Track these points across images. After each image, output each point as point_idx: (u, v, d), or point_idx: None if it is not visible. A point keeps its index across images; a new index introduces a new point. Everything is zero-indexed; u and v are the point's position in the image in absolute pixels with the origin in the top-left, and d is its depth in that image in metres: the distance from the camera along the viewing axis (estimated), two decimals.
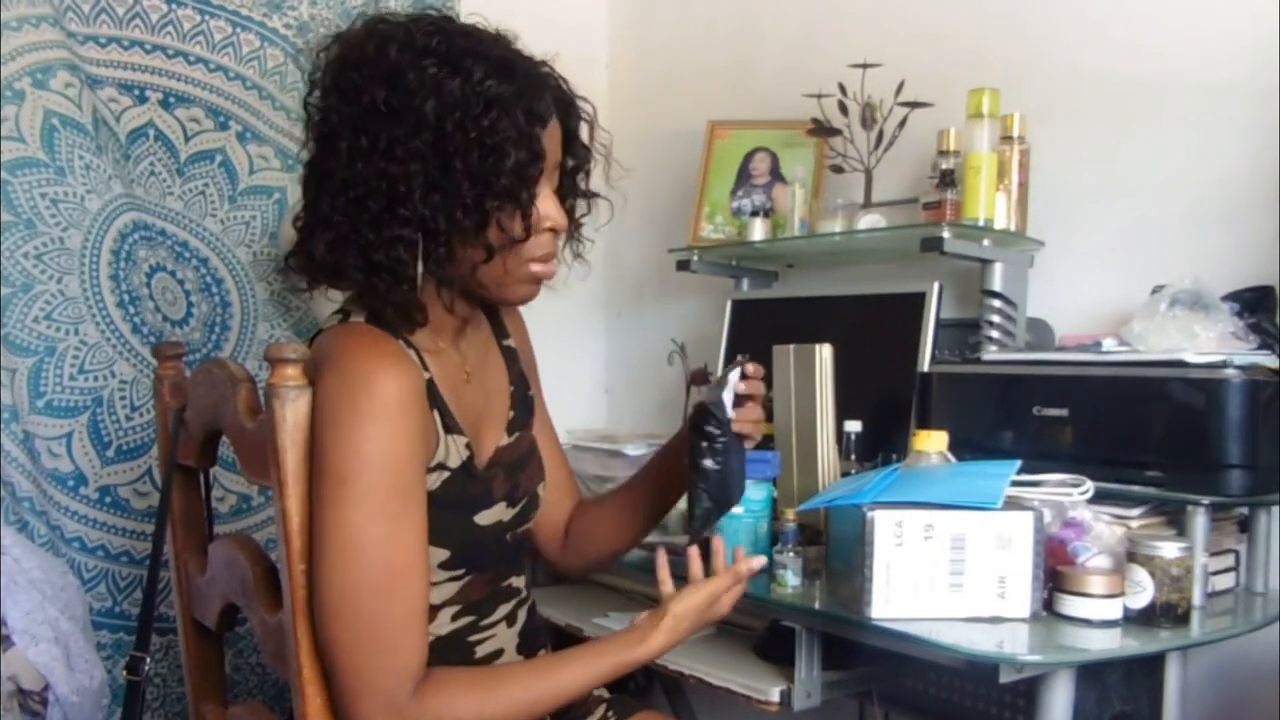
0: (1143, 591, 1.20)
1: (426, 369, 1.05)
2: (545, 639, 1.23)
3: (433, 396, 1.04)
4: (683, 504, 1.75)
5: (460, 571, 1.08)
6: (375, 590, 0.93)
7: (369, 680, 0.93)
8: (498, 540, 1.12)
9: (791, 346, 1.59)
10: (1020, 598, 1.18)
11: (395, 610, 0.94)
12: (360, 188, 0.98)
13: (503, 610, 1.14)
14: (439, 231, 0.99)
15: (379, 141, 0.97)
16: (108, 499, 1.86)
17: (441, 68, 0.98)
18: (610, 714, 1.26)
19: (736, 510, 1.40)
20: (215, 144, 2.05)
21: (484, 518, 1.09)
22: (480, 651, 1.11)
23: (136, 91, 1.95)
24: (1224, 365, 1.29)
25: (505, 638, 1.14)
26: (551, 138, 1.05)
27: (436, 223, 0.99)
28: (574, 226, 1.16)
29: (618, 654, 1.07)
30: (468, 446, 1.07)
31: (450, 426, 1.05)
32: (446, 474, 1.05)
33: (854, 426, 1.59)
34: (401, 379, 0.95)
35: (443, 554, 1.06)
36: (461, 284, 1.06)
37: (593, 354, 2.66)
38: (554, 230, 1.07)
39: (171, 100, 1.99)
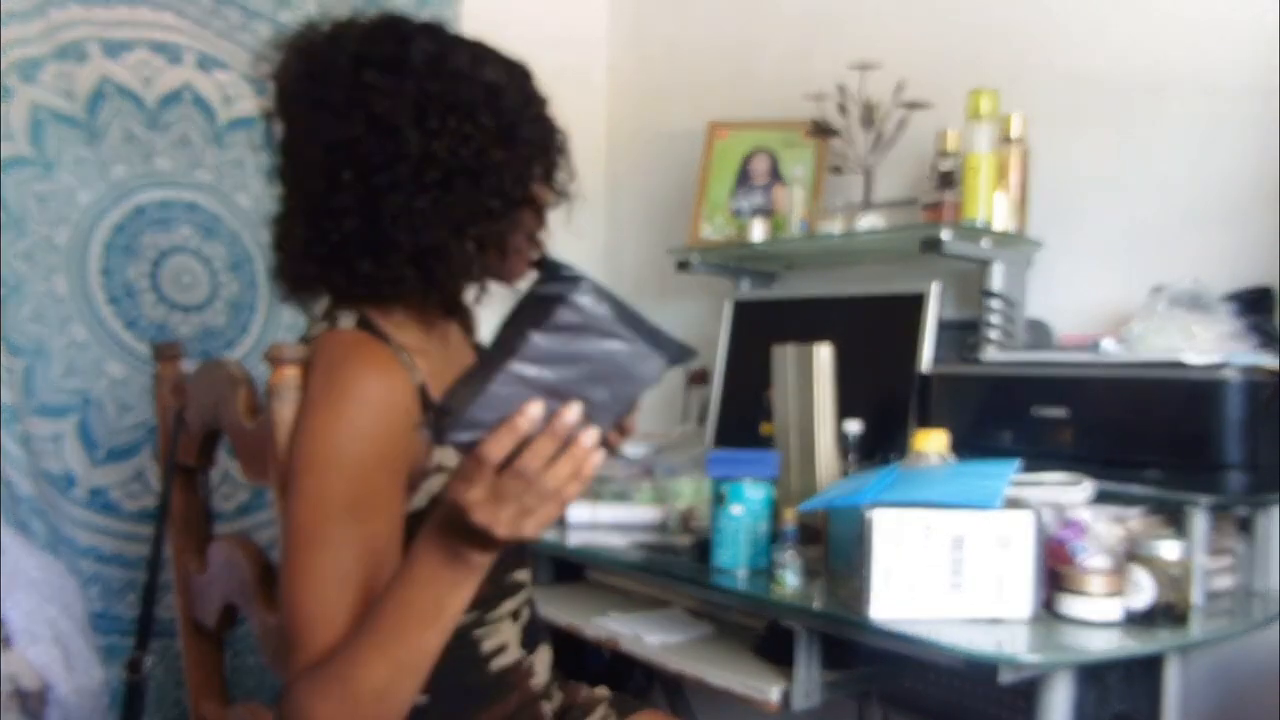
0: (1142, 592, 1.20)
1: (418, 371, 1.04)
2: (545, 634, 1.23)
3: (425, 400, 1.03)
4: (680, 504, 1.76)
5: None
6: (301, 583, 0.92)
7: (287, 656, 0.93)
8: None
9: (791, 346, 1.59)
10: (1020, 598, 1.18)
11: (310, 605, 0.91)
12: (438, 169, 0.98)
13: (508, 606, 1.14)
14: (517, 203, 1.03)
15: (447, 122, 0.98)
16: (98, 501, 1.83)
17: (464, 52, 1.02)
18: (611, 713, 1.26)
19: (736, 510, 1.40)
20: (257, 110, 1.99)
21: None
22: (485, 647, 1.11)
23: (170, 52, 1.88)
24: (1223, 366, 1.29)
25: (509, 633, 1.14)
26: None
27: (517, 195, 1.02)
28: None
29: (451, 592, 0.88)
30: None
31: None
32: (444, 476, 1.04)
33: (854, 426, 1.59)
34: (384, 386, 0.95)
35: None
36: (487, 270, 1.06)
37: None
38: None
39: (208, 63, 1.92)
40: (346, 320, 1.04)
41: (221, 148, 1.94)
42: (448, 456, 1.04)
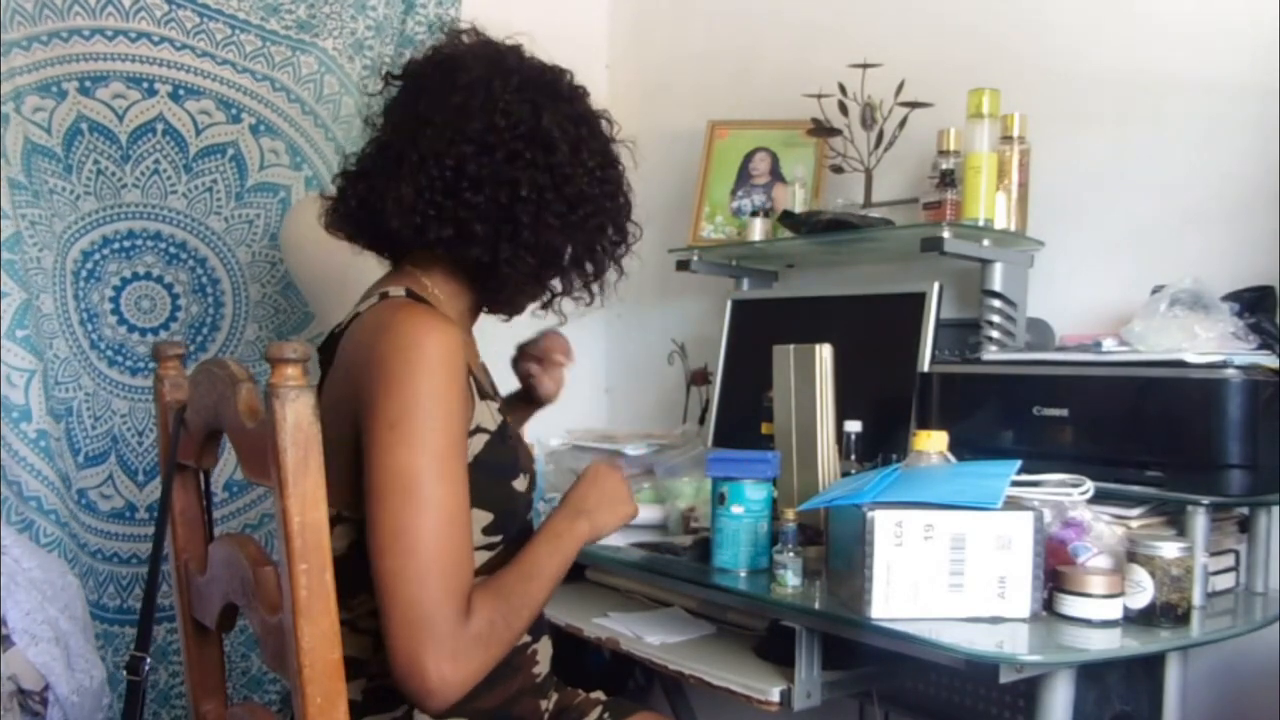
0: (1143, 591, 1.20)
1: None
2: (547, 627, 1.25)
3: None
4: (680, 504, 1.77)
5: (497, 539, 1.13)
6: (431, 524, 0.97)
7: (429, 611, 0.96)
8: (525, 512, 1.19)
9: (791, 346, 1.59)
10: (1020, 598, 1.18)
11: (449, 544, 0.98)
12: (574, 189, 1.14)
13: None
14: (597, 250, 1.21)
15: (590, 162, 1.16)
16: (83, 500, 1.90)
17: (605, 123, 1.23)
18: (607, 715, 1.27)
19: (736, 510, 1.41)
20: (227, 137, 2.03)
21: (519, 484, 1.17)
22: None
23: (145, 84, 1.94)
24: (1224, 365, 1.29)
25: None
26: None
27: (603, 241, 1.21)
28: None
29: (572, 540, 1.14)
30: (500, 410, 1.16)
31: (483, 393, 1.14)
32: (487, 437, 1.11)
33: (854, 426, 1.59)
34: (449, 339, 1.03)
35: (487, 517, 1.11)
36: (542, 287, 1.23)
37: (593, 354, 2.66)
38: None
39: (181, 92, 1.97)
40: (397, 293, 1.13)
41: (192, 175, 2.01)
42: (484, 418, 1.12)
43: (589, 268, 1.22)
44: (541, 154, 1.12)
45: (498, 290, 1.19)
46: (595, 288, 1.25)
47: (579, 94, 1.20)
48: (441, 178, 1.11)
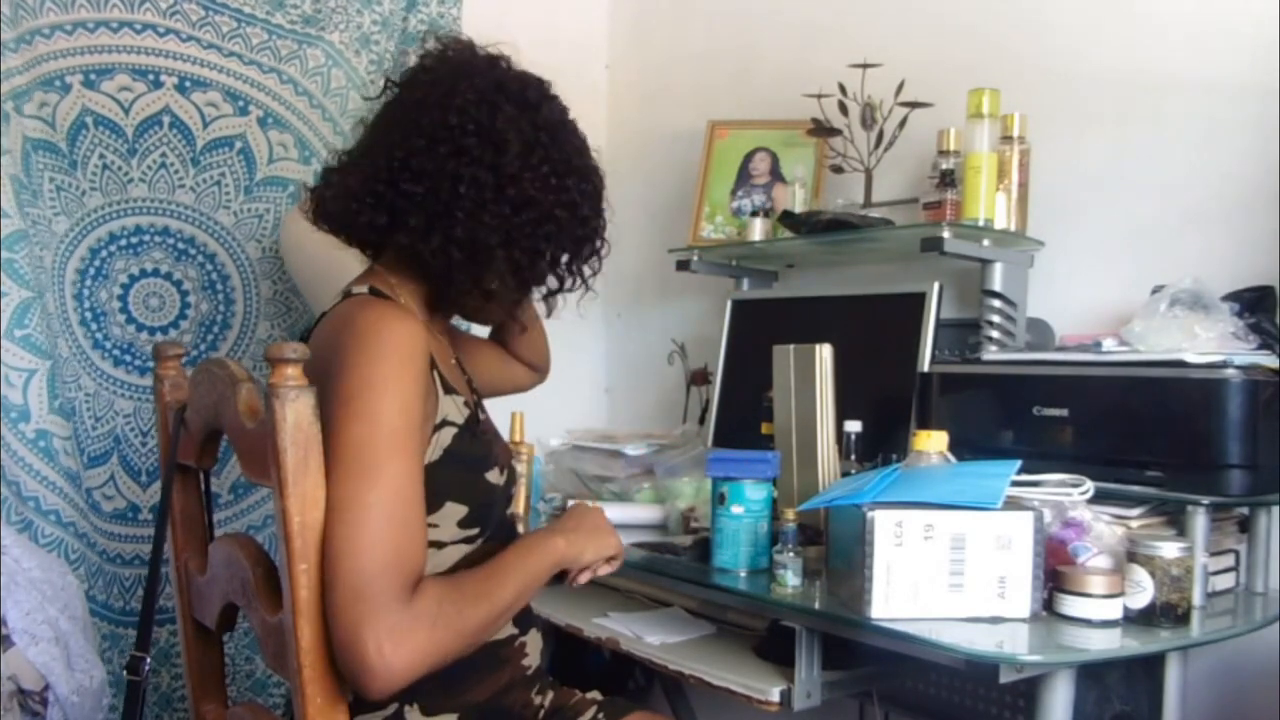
0: (1143, 591, 1.20)
1: None
2: (537, 620, 1.25)
3: (430, 361, 1.11)
4: (680, 504, 1.77)
5: (474, 532, 1.12)
6: (381, 497, 0.96)
7: (370, 581, 0.93)
8: (502, 506, 1.19)
9: (791, 346, 1.59)
10: (1020, 598, 1.18)
11: (398, 519, 0.97)
12: (518, 193, 1.13)
13: None
14: (549, 260, 1.20)
15: (543, 169, 1.15)
16: (90, 500, 1.90)
17: (580, 135, 1.23)
18: (602, 715, 1.27)
19: (736, 510, 1.41)
20: (235, 130, 2.02)
21: (492, 476, 1.16)
22: None
23: (151, 76, 1.93)
24: (1224, 365, 1.29)
25: None
26: None
27: (554, 251, 1.19)
28: None
29: (542, 550, 1.14)
30: (467, 405, 1.15)
31: (448, 388, 1.12)
32: (455, 429, 1.11)
33: (854, 426, 1.59)
34: (406, 327, 1.03)
35: (461, 510, 1.11)
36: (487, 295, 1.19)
37: (593, 354, 2.66)
38: None
39: (188, 84, 1.96)
40: (360, 290, 1.15)
41: (200, 168, 2.00)
42: (450, 411, 1.11)
43: (528, 275, 1.19)
44: (490, 153, 1.12)
45: (443, 288, 1.18)
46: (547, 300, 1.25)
47: (549, 103, 1.19)
48: (388, 168, 1.12)
